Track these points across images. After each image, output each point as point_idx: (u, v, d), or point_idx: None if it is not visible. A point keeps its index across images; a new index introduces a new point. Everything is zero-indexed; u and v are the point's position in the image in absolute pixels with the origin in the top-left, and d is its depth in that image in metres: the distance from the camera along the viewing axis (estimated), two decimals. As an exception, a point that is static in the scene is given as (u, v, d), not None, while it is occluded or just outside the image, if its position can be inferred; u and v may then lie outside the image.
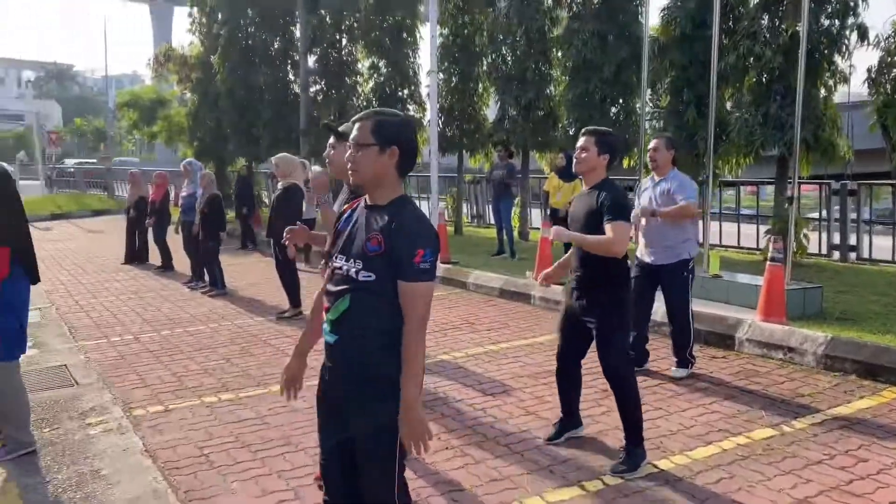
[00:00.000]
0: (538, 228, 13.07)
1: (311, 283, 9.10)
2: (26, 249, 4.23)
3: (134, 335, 7.31)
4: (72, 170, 32.23)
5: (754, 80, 10.25)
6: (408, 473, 2.60)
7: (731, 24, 10.48)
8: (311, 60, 18.01)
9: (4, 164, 4.59)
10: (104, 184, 32.77)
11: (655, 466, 3.89)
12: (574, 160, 4.14)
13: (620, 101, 12.78)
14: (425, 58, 14.51)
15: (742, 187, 13.81)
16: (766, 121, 9.75)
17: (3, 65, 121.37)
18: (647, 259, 5.51)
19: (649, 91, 10.95)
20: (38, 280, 4.38)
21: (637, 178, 12.00)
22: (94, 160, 41.61)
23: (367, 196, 2.48)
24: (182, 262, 10.98)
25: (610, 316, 3.94)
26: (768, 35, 9.88)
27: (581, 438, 4.26)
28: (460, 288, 9.50)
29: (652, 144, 5.55)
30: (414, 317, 2.30)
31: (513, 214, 12.99)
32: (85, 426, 4.77)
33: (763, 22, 10.08)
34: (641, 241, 5.56)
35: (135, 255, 12.60)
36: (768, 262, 6.53)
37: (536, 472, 3.87)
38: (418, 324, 2.30)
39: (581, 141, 4.04)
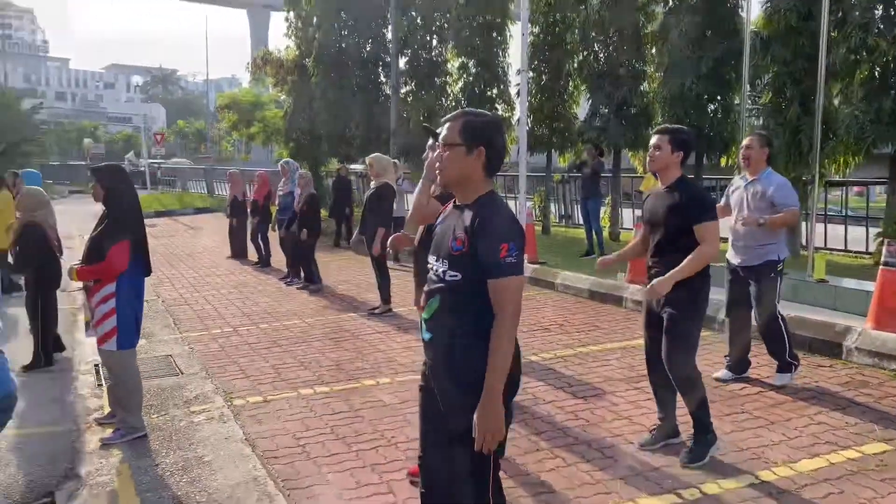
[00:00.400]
0: (630, 229, 12.81)
1: (401, 280, 9.23)
2: (142, 243, 4.50)
3: (234, 328, 7.61)
4: (143, 169, 34.00)
5: (866, 73, 9.67)
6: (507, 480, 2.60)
7: (840, 14, 9.93)
8: (402, 62, 18.27)
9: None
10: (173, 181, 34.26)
11: (757, 478, 3.74)
12: (648, 159, 4.08)
13: (718, 97, 12.34)
14: (515, 56, 14.49)
15: (849, 187, 13.08)
16: (878, 117, 9.17)
17: (114, 71, 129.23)
18: (735, 260, 5.29)
19: (749, 87, 10.50)
20: (150, 272, 4.66)
21: (732, 176, 11.60)
22: (162, 160, 43.60)
23: (455, 196, 2.52)
24: (279, 258, 11.38)
25: (681, 309, 3.85)
26: (882, 26, 9.31)
27: (678, 446, 4.13)
28: (548, 289, 9.41)
29: (746, 142, 5.34)
30: (505, 312, 2.28)
31: (602, 214, 12.77)
32: (189, 414, 5.01)
33: (877, 12, 9.50)
34: (729, 242, 5.36)
35: (235, 250, 13.13)
36: (881, 267, 6.15)
37: (630, 478, 3.78)
38: (509, 319, 2.28)
39: (654, 139, 4.00)
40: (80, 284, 6.04)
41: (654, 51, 13.35)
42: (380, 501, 3.61)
